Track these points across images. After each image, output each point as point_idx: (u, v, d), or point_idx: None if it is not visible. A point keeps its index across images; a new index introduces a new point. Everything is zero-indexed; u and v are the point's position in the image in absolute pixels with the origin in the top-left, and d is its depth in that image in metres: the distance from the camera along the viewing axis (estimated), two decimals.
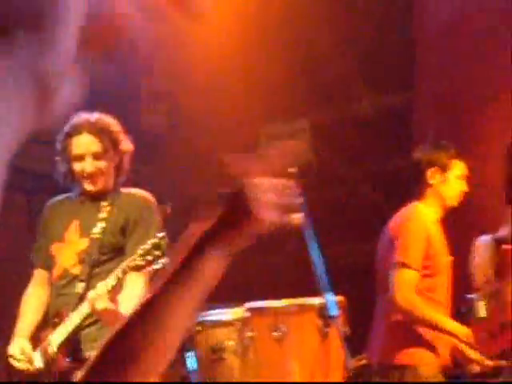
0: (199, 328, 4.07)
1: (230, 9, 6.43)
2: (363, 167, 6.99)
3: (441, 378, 4.52)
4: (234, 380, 4.00)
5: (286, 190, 1.30)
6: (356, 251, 6.61)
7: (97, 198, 4.05)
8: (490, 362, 4.54)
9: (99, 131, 3.99)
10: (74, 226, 4.07)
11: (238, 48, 6.54)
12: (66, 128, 4.01)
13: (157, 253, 3.70)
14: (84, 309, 3.79)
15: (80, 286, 3.92)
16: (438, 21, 6.39)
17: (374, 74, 6.75)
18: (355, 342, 4.11)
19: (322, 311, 3.97)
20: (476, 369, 4.64)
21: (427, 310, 4.42)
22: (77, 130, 3.99)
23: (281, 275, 6.81)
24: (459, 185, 4.67)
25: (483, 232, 4.79)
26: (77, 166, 4.01)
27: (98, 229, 4.00)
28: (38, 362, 3.91)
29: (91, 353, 3.71)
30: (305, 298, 4.13)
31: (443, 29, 6.36)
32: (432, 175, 4.65)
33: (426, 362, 4.49)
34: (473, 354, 4.55)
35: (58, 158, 4.07)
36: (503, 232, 4.67)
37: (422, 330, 4.49)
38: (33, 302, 4.13)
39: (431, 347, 4.50)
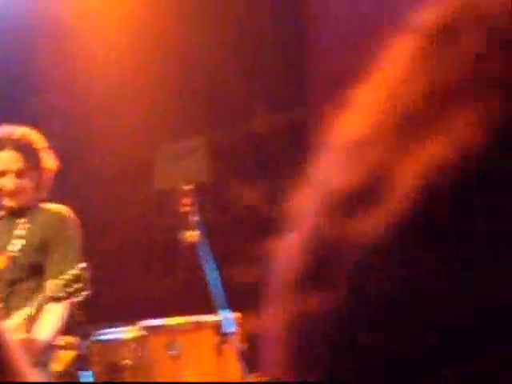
0: (95, 347, 4.04)
1: (130, 27, 6.42)
2: (258, 184, 7.04)
3: None
4: None
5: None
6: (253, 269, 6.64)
7: (15, 214, 3.96)
8: None
9: (22, 148, 3.87)
10: None
11: (135, 66, 6.53)
12: None
13: (77, 286, 3.66)
14: None
15: None
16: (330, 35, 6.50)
17: (268, 91, 6.83)
18: (255, 358, 4.14)
19: (218, 328, 4.00)
20: None
21: None
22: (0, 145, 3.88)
23: (177, 294, 6.80)
24: None
25: None
26: None
27: (16, 247, 3.91)
28: None
29: None
30: (201, 315, 4.15)
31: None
32: None
33: None
34: None
35: None
36: None
37: None
38: None
39: None
